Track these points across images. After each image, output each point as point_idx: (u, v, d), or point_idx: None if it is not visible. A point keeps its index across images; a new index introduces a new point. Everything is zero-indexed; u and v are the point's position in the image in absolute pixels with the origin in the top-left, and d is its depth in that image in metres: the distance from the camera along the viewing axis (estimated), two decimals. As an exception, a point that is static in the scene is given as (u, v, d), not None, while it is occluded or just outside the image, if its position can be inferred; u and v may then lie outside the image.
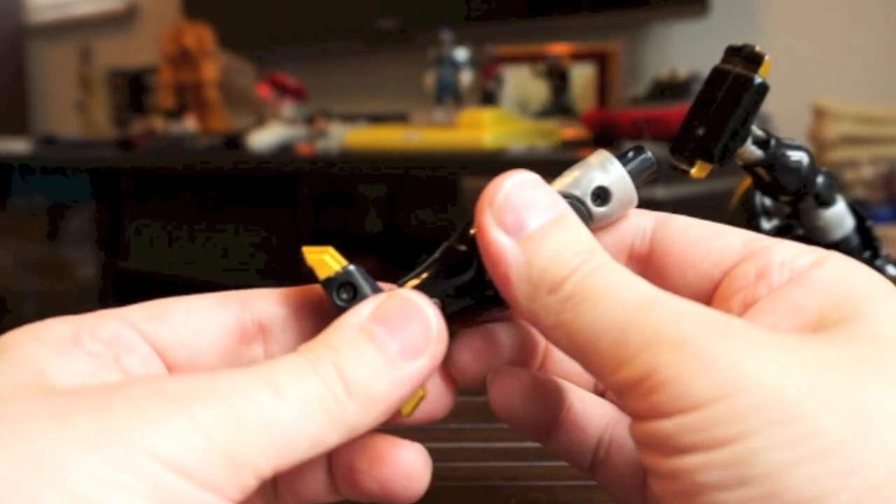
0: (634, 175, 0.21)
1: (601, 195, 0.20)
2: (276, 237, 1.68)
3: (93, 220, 2.02)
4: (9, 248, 2.11)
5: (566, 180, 0.21)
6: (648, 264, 0.21)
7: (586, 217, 0.20)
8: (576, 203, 0.20)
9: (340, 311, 0.19)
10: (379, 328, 0.18)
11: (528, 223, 0.18)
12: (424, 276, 0.20)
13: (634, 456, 0.21)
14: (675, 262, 0.20)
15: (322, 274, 0.19)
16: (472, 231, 0.20)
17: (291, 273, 1.56)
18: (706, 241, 0.20)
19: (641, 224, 0.21)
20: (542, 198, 0.18)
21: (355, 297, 0.19)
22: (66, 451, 0.14)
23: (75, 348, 0.18)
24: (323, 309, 0.20)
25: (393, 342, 0.18)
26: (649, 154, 0.21)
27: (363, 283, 0.19)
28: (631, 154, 0.21)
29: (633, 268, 0.20)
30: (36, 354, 0.17)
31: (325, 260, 0.19)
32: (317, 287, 0.20)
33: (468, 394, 0.38)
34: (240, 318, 0.20)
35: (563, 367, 0.23)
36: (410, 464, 0.20)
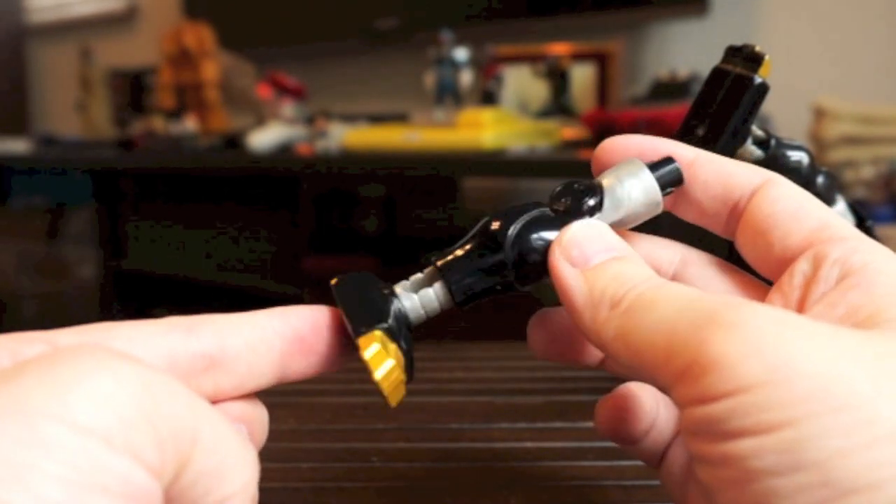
0: (663, 186, 0.21)
1: None
2: (277, 237, 1.68)
3: (93, 220, 2.02)
4: (9, 248, 2.11)
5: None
6: (740, 224, 0.21)
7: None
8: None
9: None
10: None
11: (591, 258, 0.20)
12: (458, 253, 0.21)
13: (682, 456, 0.22)
14: (754, 233, 0.21)
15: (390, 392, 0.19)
16: (493, 226, 0.21)
17: (292, 273, 1.56)
18: (784, 223, 0.20)
19: (751, 182, 0.21)
20: (607, 240, 0.20)
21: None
22: None
23: None
24: (275, 340, 0.20)
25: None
26: (677, 165, 0.22)
27: None
28: (661, 166, 0.22)
29: (731, 224, 0.22)
30: None
31: (394, 373, 0.19)
32: (270, 313, 0.20)
33: (468, 394, 0.38)
34: (187, 348, 0.19)
35: None
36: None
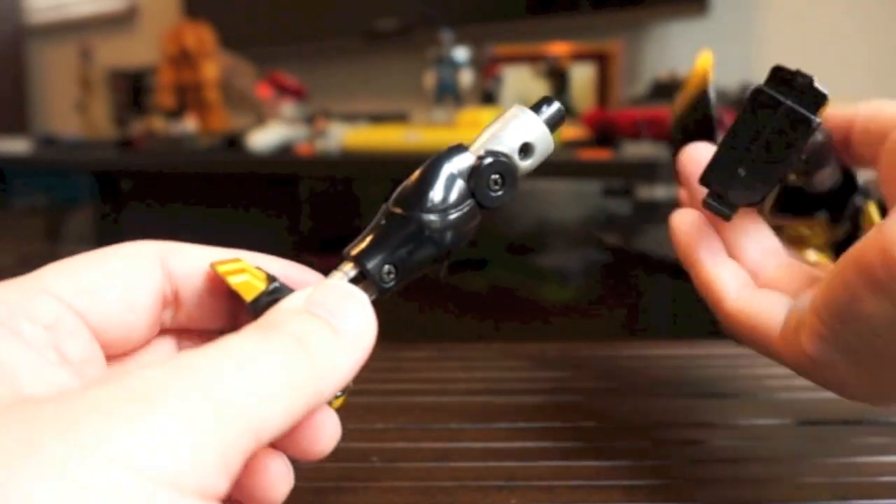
0: (550, 126, 0.22)
1: (525, 150, 0.22)
2: (276, 237, 1.68)
3: (93, 220, 2.02)
4: (9, 248, 2.10)
5: (486, 136, 0.22)
6: (881, 154, 0.24)
7: (515, 171, 0.22)
8: (503, 159, 0.21)
9: None
10: (320, 311, 0.18)
11: None
12: (369, 239, 0.21)
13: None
14: (890, 162, 0.23)
15: (249, 296, 0.19)
16: (393, 208, 0.21)
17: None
18: None
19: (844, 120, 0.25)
20: None
21: None
22: (34, 482, 0.12)
23: (11, 335, 0.17)
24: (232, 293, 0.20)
25: (336, 321, 0.18)
26: (559, 105, 0.22)
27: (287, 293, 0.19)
28: (545, 106, 0.22)
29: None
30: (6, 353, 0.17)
31: (251, 282, 0.20)
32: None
33: (468, 394, 0.38)
34: (162, 283, 0.21)
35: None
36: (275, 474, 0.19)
